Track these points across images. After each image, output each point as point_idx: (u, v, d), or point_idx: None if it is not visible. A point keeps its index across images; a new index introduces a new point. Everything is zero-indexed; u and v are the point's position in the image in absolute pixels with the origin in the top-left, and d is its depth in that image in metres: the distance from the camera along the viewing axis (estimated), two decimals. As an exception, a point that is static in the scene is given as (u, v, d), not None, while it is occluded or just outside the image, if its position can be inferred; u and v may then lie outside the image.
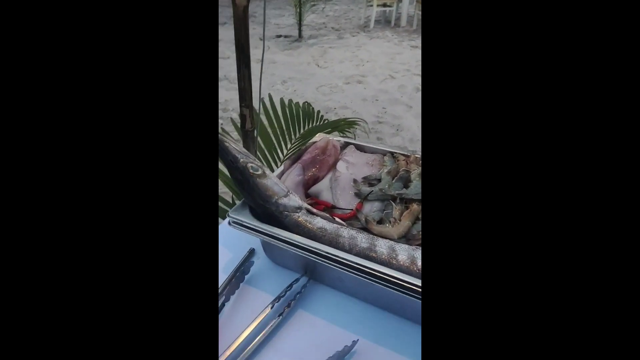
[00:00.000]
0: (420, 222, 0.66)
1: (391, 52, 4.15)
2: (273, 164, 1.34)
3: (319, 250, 0.60)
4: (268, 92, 1.62)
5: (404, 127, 2.91)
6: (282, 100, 1.50)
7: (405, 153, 0.85)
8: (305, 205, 0.68)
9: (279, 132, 1.39)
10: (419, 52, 4.10)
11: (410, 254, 0.59)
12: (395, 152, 0.86)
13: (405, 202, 0.70)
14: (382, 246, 0.61)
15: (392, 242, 0.62)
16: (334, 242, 0.62)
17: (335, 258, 0.59)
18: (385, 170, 0.77)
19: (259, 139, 1.34)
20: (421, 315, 0.33)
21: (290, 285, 0.67)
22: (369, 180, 0.77)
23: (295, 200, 0.68)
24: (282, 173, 0.79)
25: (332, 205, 0.72)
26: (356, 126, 1.67)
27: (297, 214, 0.66)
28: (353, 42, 4.39)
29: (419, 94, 3.37)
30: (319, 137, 0.92)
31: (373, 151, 0.90)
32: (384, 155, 0.86)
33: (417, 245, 0.61)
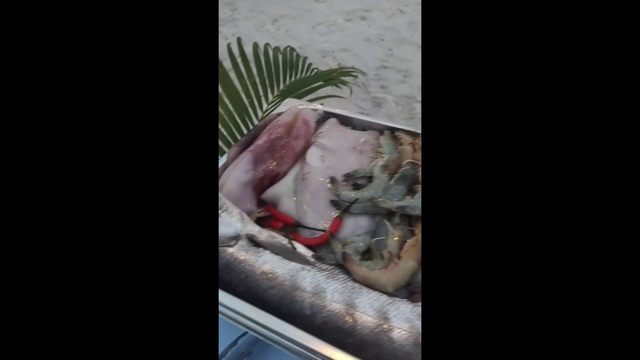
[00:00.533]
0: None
1: (401, -20, 3.56)
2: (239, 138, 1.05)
3: (256, 321, 0.35)
4: (237, 36, 1.28)
5: (412, 73, 2.54)
6: (254, 46, 1.17)
7: (414, 130, 0.57)
8: (248, 229, 0.43)
9: (251, 90, 1.09)
10: (433, -21, 3.50)
11: (415, 331, 0.35)
12: (398, 130, 0.58)
13: (410, 220, 0.44)
14: (367, 310, 0.37)
15: (383, 302, 0.37)
16: (286, 301, 0.38)
17: (285, 337, 0.35)
18: (380, 163, 0.50)
19: (226, 101, 1.05)
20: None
21: (235, 342, 0.45)
22: (354, 179, 0.50)
23: (230, 222, 0.42)
24: (225, 167, 0.53)
25: (295, 221, 0.47)
26: (353, 77, 1.35)
27: (230, 248, 0.41)
28: (357, -32, 3.77)
29: (432, 32, 2.89)
30: (287, 106, 0.64)
31: (366, 126, 0.61)
32: (381, 133, 0.58)
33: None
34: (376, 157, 0.52)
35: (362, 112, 2.26)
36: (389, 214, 0.45)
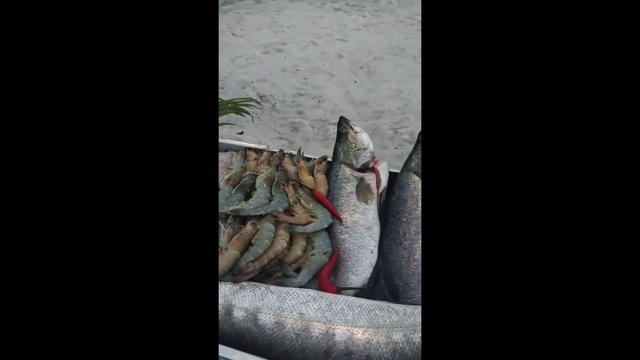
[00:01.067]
0: (255, 248, 0.51)
1: (313, 15, 3.88)
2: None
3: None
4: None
5: (325, 98, 2.75)
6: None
7: (261, 147, 0.69)
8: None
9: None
10: (342, 14, 3.88)
11: (227, 303, 0.45)
12: (250, 149, 0.69)
13: (244, 220, 0.55)
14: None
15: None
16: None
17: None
18: (226, 177, 0.60)
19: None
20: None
21: None
22: (204, 192, 0.60)
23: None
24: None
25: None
26: (252, 106, 1.47)
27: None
28: (272, 6, 4.06)
29: (341, 61, 3.19)
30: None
31: (228, 148, 0.72)
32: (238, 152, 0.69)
33: (247, 283, 0.46)
34: (225, 173, 0.63)
35: (281, 136, 2.39)
36: (227, 217, 0.55)
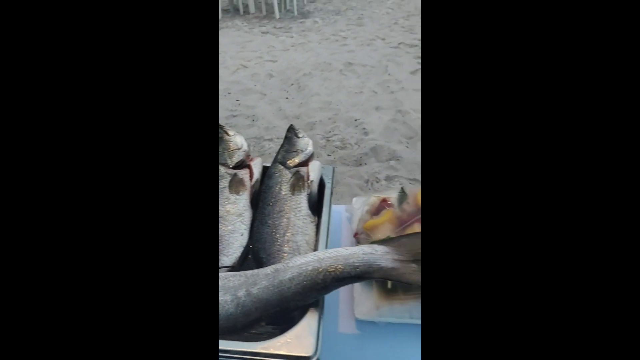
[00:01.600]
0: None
1: (241, 40, 4.04)
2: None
3: None
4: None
5: (259, 117, 2.86)
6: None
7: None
8: None
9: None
10: (270, 37, 4.06)
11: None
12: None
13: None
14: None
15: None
16: None
17: None
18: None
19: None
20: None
21: None
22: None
23: None
24: None
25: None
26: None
27: None
28: (200, 35, 4.15)
29: (272, 80, 3.33)
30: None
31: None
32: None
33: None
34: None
35: (217, 158, 2.44)
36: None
